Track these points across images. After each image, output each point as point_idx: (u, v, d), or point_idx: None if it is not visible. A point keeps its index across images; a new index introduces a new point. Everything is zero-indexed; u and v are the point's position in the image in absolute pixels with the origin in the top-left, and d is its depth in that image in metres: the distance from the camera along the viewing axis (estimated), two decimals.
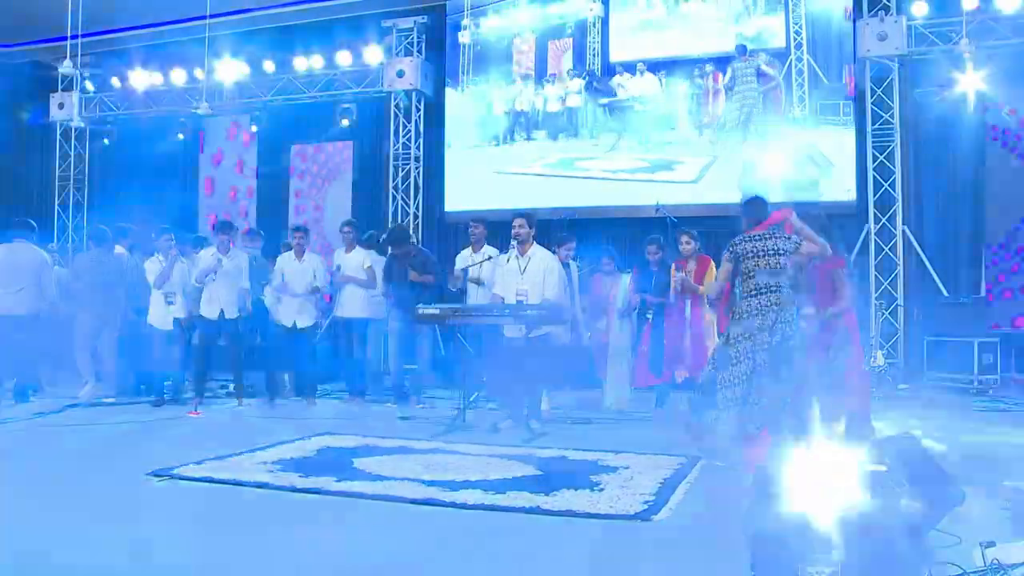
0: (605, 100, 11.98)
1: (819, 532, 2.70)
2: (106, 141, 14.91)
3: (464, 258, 8.46)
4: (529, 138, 12.40)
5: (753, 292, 5.53)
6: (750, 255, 5.58)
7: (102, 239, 9.24)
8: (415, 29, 12.81)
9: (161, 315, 8.70)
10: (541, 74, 12.41)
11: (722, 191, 11.15)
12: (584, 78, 12.11)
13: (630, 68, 11.87)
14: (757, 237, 5.64)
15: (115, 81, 14.50)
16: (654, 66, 11.75)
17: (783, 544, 2.83)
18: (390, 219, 12.75)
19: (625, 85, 11.88)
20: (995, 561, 3.13)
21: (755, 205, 5.86)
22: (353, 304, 8.75)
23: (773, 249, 5.58)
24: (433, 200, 12.92)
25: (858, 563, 2.59)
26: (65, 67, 11.43)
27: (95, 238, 9.33)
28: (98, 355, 9.04)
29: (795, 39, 11.08)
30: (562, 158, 12.13)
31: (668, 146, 11.64)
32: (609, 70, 12.02)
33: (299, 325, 8.75)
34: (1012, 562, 3.16)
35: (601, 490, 4.65)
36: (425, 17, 12.85)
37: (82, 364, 8.96)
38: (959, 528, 3.58)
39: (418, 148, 12.96)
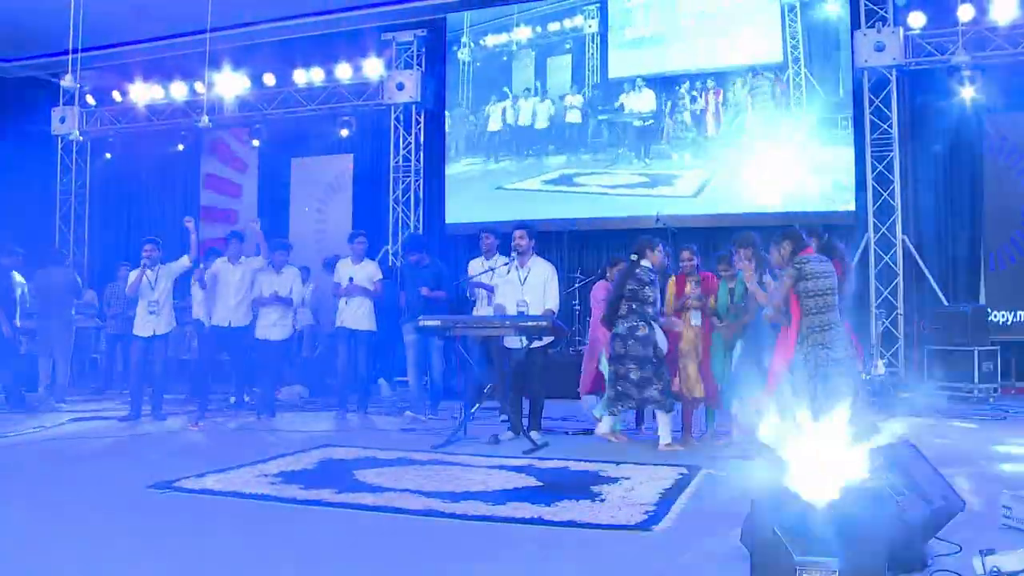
0: (605, 116, 12.03)
1: (819, 538, 2.71)
2: (108, 156, 14.96)
3: (476, 267, 8.47)
4: (528, 154, 12.44)
5: (815, 311, 5.57)
6: (817, 275, 5.61)
7: (57, 258, 10.36)
8: (415, 43, 12.89)
9: (141, 324, 8.50)
10: (540, 90, 12.47)
11: (721, 206, 11.22)
12: (583, 94, 12.17)
13: (629, 83, 11.93)
14: (815, 259, 5.73)
15: (116, 95, 14.56)
16: (652, 81, 11.81)
17: (783, 551, 2.84)
18: (391, 231, 12.80)
19: (625, 102, 11.94)
20: (995, 568, 3.14)
21: (800, 236, 5.93)
22: (362, 316, 8.74)
23: (828, 271, 5.70)
24: (434, 212, 12.95)
25: (857, 567, 2.60)
26: (66, 81, 11.48)
27: (51, 256, 10.33)
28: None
29: (792, 53, 11.13)
30: (562, 173, 12.17)
31: (667, 161, 11.68)
32: (608, 86, 12.08)
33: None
34: (1011, 570, 3.17)
35: (602, 501, 4.65)
36: (425, 31, 12.92)
37: (45, 374, 9.81)
38: (959, 536, 3.59)
39: (418, 161, 13.01)
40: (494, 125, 12.67)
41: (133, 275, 8.58)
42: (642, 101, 11.84)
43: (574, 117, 12.22)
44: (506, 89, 12.63)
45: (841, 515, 2.60)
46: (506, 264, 7.51)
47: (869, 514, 2.65)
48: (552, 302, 7.11)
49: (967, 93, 10.46)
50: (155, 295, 8.45)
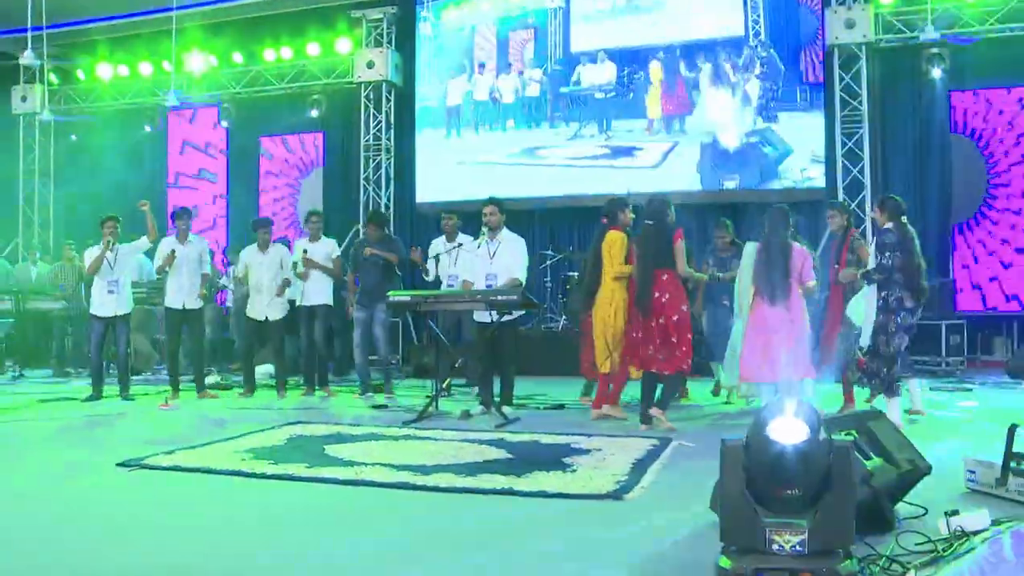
0: (566, 89, 12.03)
1: (787, 500, 2.71)
2: (73, 137, 14.72)
3: (437, 246, 8.47)
4: (491, 128, 12.42)
5: None
6: None
7: None
8: (385, 20, 12.78)
9: (99, 304, 8.35)
10: (503, 64, 12.42)
11: (683, 177, 11.29)
12: (544, 68, 12.15)
13: (591, 57, 11.92)
14: None
15: (80, 73, 14.33)
16: (614, 55, 11.82)
17: (752, 514, 2.84)
18: (362, 210, 12.72)
19: (586, 74, 11.94)
20: (959, 528, 3.19)
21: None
22: (319, 292, 8.64)
23: None
24: (404, 190, 12.89)
25: (825, 528, 2.60)
26: (26, 58, 11.24)
27: None
28: None
29: (754, 27, 11.16)
30: (524, 147, 12.20)
31: (628, 134, 11.73)
32: (570, 60, 12.06)
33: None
34: (974, 529, 3.21)
35: (573, 471, 4.65)
36: (395, 8, 12.81)
37: None
38: (925, 499, 3.63)
39: (389, 139, 12.92)
40: (457, 100, 12.62)
41: (90, 254, 8.40)
42: (604, 74, 11.87)
43: (536, 91, 12.21)
44: (469, 64, 12.58)
45: (809, 457, 2.59)
46: (476, 240, 7.50)
47: (838, 463, 2.65)
48: (518, 272, 7.07)
49: (935, 70, 10.56)
50: (114, 274, 8.30)
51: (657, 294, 6.14)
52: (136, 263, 9.52)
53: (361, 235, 10.28)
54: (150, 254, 9.15)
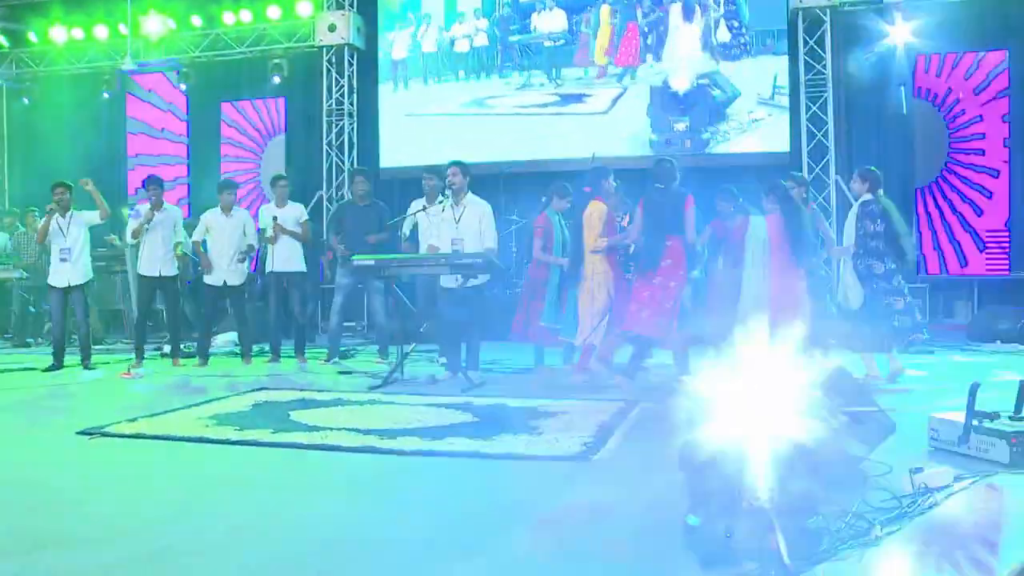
0: (516, 38, 11.95)
1: (756, 459, 2.72)
2: (26, 101, 14.34)
3: (416, 207, 8.34)
4: (440, 79, 12.35)
5: None
6: None
7: None
8: None
9: (53, 273, 8.17)
10: (451, 14, 12.30)
11: (632, 121, 11.34)
12: (493, 17, 12.08)
13: (540, 4, 11.90)
14: None
15: (32, 36, 13.91)
16: (564, 3, 11.79)
17: (719, 474, 2.84)
18: (325, 175, 12.56)
19: (537, 23, 11.92)
20: (923, 485, 3.22)
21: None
22: (292, 258, 8.52)
23: None
24: (368, 156, 12.72)
25: (794, 488, 2.61)
26: None
27: None
28: None
29: None
30: (474, 97, 12.16)
31: (578, 80, 11.75)
32: (519, 8, 12.00)
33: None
34: (937, 486, 3.25)
35: (540, 434, 4.65)
36: None
37: None
38: (890, 456, 3.66)
39: (351, 104, 12.73)
40: (401, 52, 12.50)
41: (41, 222, 8.22)
42: (554, 22, 11.84)
43: (484, 40, 12.13)
44: (416, 16, 12.44)
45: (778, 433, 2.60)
46: (440, 203, 7.40)
47: (805, 432, 2.66)
48: (490, 240, 7.01)
49: (899, 34, 10.57)
50: (67, 242, 8.10)
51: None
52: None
53: (347, 196, 10.12)
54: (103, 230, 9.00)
